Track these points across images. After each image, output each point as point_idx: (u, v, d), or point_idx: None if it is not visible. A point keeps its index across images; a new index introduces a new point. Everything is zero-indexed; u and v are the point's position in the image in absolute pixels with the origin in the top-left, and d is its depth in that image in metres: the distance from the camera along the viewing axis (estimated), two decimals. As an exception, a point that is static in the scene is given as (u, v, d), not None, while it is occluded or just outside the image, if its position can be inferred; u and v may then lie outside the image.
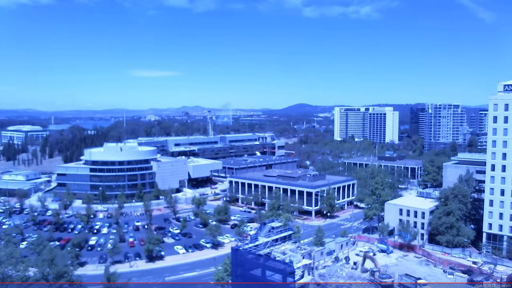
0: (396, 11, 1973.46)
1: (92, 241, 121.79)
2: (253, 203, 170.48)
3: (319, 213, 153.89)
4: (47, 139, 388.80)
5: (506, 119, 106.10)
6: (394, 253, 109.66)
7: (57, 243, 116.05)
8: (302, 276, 75.91)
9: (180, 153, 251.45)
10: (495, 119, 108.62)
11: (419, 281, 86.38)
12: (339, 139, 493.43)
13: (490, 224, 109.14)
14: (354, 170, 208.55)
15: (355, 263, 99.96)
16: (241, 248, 72.35)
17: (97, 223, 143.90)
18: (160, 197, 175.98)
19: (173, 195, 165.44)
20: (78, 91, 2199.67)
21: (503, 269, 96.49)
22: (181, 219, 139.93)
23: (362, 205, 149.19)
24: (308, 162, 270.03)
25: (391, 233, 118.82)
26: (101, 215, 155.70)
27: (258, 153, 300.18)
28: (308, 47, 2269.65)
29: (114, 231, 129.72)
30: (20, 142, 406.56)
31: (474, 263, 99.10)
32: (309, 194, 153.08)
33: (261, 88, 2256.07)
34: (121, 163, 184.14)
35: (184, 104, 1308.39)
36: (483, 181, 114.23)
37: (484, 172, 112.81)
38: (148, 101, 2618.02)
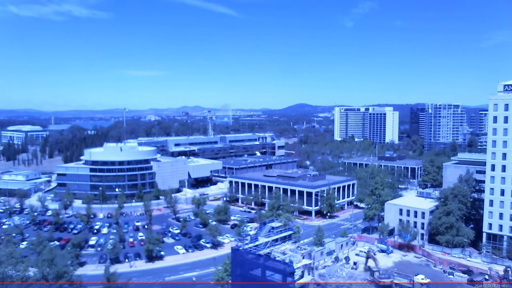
0: (398, 12, 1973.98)
1: (92, 241, 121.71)
2: (253, 203, 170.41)
3: (319, 213, 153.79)
4: (47, 139, 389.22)
5: (506, 119, 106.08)
6: (394, 253, 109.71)
7: (57, 243, 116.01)
8: (302, 276, 75.92)
9: (180, 153, 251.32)
10: (495, 119, 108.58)
11: (417, 276, 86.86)
12: (339, 139, 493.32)
13: (490, 224, 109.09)
14: (354, 170, 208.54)
15: (355, 263, 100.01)
16: (241, 248, 72.32)
17: (97, 223, 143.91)
18: (160, 197, 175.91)
19: (173, 195, 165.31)
20: (78, 91, 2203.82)
21: (503, 269, 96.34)
22: (181, 219, 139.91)
23: (362, 205, 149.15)
24: (308, 162, 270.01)
25: (391, 233, 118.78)
26: (101, 215, 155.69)
27: (258, 153, 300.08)
28: (308, 47, 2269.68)
29: (114, 231, 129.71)
30: (20, 142, 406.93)
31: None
32: (309, 194, 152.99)
33: (261, 88, 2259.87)
34: (121, 163, 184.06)
35: (184, 104, 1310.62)
36: (483, 181, 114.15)
37: (484, 172, 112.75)
38: (148, 101, 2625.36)
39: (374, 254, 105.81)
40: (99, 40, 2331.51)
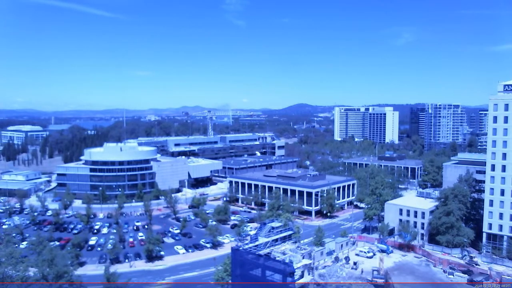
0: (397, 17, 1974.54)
1: (92, 241, 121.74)
2: (253, 203, 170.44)
3: (319, 213, 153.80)
4: (47, 139, 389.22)
5: (506, 119, 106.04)
6: (394, 253, 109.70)
7: (57, 243, 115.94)
8: (302, 276, 76.02)
9: (180, 153, 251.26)
10: (495, 119, 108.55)
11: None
12: (339, 139, 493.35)
13: (490, 224, 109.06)
14: (354, 170, 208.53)
15: (355, 263, 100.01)
16: (241, 248, 72.36)
17: (97, 223, 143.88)
18: (160, 197, 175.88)
19: (173, 195, 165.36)
20: (78, 91, 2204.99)
21: (503, 269, 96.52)
22: (181, 219, 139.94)
23: (362, 205, 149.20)
24: (308, 162, 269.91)
25: (391, 233, 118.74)
26: (101, 215, 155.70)
27: (258, 153, 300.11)
28: (308, 47, 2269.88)
29: (114, 231, 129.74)
30: (20, 142, 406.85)
31: None
32: (309, 194, 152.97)
33: (261, 88, 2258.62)
34: (121, 163, 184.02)
35: (184, 104, 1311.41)
36: (483, 181, 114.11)
37: (484, 172, 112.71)
38: (148, 101, 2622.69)
39: (374, 255, 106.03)
40: (99, 40, 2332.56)
